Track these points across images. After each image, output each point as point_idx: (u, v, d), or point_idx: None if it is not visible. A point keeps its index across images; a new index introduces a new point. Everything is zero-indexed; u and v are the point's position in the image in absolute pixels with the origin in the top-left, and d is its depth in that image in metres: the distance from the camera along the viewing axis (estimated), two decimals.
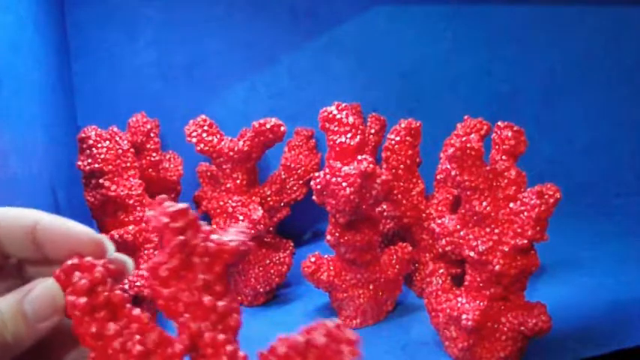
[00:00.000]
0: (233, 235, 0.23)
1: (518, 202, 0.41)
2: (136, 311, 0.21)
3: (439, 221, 0.46)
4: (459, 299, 0.44)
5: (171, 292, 0.22)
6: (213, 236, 0.22)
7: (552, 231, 0.42)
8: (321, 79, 0.76)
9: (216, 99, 0.73)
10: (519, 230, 0.41)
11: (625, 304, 0.53)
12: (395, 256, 0.52)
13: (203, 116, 0.55)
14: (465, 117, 0.55)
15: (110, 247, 0.23)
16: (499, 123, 0.45)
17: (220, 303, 0.22)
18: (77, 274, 0.21)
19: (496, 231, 0.42)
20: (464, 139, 0.42)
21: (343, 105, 0.48)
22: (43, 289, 0.21)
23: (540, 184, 0.41)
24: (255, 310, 0.56)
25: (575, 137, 0.85)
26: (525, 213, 0.41)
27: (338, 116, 0.48)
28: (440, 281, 0.46)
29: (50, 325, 0.21)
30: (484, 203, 0.42)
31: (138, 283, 0.45)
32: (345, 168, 0.46)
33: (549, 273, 0.60)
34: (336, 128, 0.48)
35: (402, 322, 0.52)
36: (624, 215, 0.79)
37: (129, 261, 0.24)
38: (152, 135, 0.61)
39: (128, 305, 0.21)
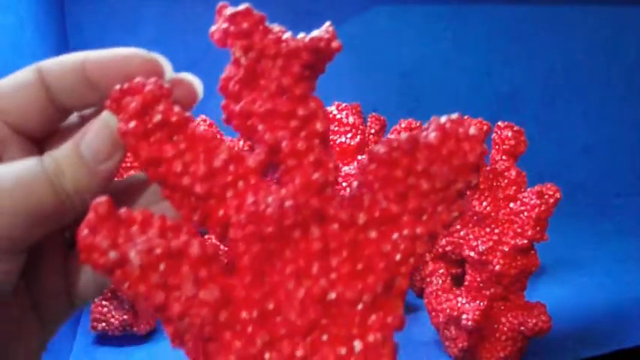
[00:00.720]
0: (313, 33, 0.19)
1: (518, 202, 0.41)
2: (201, 129, 0.18)
3: None
4: (459, 299, 0.44)
5: (242, 106, 0.18)
6: (287, 35, 0.19)
7: (552, 231, 0.42)
8: (321, 79, 0.76)
9: (216, 99, 0.73)
10: (519, 230, 0.41)
11: (625, 304, 0.53)
12: None
13: (203, 116, 0.55)
14: (465, 117, 0.55)
15: (168, 66, 0.20)
16: (499, 123, 0.45)
17: (301, 107, 0.18)
18: (128, 98, 0.18)
19: (496, 231, 0.42)
20: None
21: (343, 105, 0.49)
22: (98, 124, 0.18)
23: (540, 184, 0.41)
24: None
25: (575, 137, 0.85)
26: (525, 213, 0.41)
27: (338, 116, 0.48)
28: (440, 281, 0.46)
29: (112, 166, 0.18)
30: (484, 203, 0.42)
31: None
32: (345, 168, 0.46)
33: (549, 273, 0.60)
34: (336, 128, 0.48)
35: None
36: (624, 215, 0.79)
37: (196, 81, 0.20)
38: None
39: (192, 124, 0.18)
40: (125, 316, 0.46)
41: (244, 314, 0.17)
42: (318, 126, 0.18)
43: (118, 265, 0.16)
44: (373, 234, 0.18)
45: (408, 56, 0.78)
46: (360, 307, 0.17)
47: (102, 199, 0.17)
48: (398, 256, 0.18)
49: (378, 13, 0.76)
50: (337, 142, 0.47)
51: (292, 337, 0.17)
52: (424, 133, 0.19)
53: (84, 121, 0.20)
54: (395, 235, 0.18)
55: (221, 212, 0.18)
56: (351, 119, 0.48)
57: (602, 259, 0.63)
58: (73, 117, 0.21)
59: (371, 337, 0.17)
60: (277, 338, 0.17)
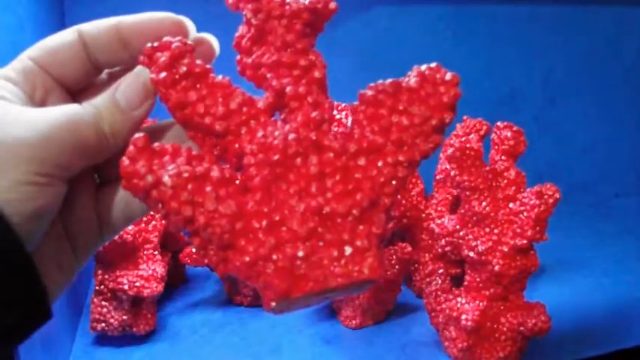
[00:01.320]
0: None
1: (518, 203, 0.41)
2: (219, 79, 0.22)
3: (439, 221, 0.46)
4: (459, 299, 0.44)
5: (254, 59, 0.23)
6: None
7: (552, 231, 0.42)
8: None
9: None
10: (519, 230, 0.41)
11: (625, 304, 0.53)
12: (395, 256, 0.52)
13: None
14: (465, 117, 0.55)
15: (191, 27, 0.23)
16: (499, 123, 0.45)
17: (302, 59, 0.22)
18: (158, 53, 0.21)
19: (495, 231, 0.42)
20: (463, 139, 0.42)
21: (343, 105, 0.48)
22: (132, 77, 0.22)
23: (540, 184, 0.41)
24: (255, 310, 0.56)
25: (575, 137, 0.85)
26: (525, 213, 0.41)
27: (338, 116, 0.48)
28: (439, 281, 0.46)
29: (144, 112, 0.22)
30: (483, 203, 0.42)
31: (137, 284, 0.45)
32: None
33: (549, 273, 0.60)
34: (335, 129, 0.48)
35: (402, 322, 0.52)
36: (624, 215, 0.79)
37: (214, 40, 0.24)
38: None
39: (211, 75, 0.22)
40: (124, 317, 0.46)
41: (255, 224, 0.21)
42: (316, 74, 0.22)
43: (153, 187, 0.20)
44: (362, 161, 0.22)
45: (408, 56, 0.78)
46: (350, 219, 0.21)
47: (140, 134, 0.20)
48: (382, 179, 0.22)
49: (378, 13, 0.76)
50: None
51: (295, 242, 0.21)
52: (406, 79, 0.22)
53: (112, 78, 0.24)
54: (380, 162, 0.22)
55: (236, 145, 0.22)
56: (350, 119, 0.48)
57: (601, 260, 0.63)
58: (103, 75, 0.24)
59: (358, 243, 0.21)
60: (282, 243, 0.20)
